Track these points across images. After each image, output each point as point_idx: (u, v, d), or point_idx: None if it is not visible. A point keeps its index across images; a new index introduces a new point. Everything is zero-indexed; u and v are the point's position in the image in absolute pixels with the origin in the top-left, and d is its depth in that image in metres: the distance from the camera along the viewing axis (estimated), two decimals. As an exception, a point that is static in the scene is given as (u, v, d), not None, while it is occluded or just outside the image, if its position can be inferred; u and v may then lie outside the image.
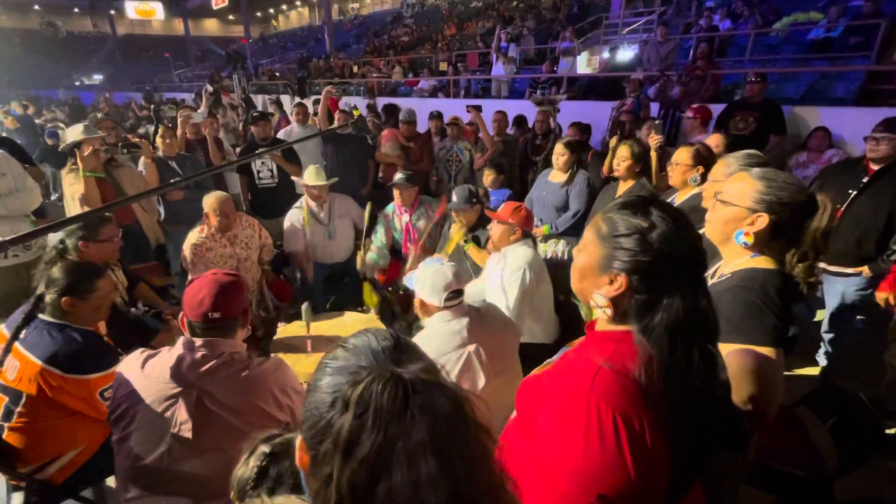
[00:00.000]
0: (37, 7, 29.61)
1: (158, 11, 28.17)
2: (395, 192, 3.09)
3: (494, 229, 2.31)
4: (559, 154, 3.11)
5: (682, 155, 2.25)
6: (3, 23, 29.17)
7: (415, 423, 0.52)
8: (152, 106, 7.50)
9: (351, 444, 0.52)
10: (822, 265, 1.22)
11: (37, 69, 24.85)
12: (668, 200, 2.36)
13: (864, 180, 2.43)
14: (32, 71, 24.47)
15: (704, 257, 0.81)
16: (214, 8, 25.56)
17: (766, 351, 1.07)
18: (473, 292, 2.39)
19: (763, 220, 1.14)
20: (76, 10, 31.01)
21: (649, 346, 0.75)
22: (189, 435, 1.22)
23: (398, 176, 3.05)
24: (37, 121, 7.97)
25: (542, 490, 0.80)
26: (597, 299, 0.83)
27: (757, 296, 1.10)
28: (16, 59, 26.08)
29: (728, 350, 1.09)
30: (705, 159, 2.19)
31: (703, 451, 0.81)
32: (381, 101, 8.43)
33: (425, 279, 1.59)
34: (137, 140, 3.23)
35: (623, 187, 2.75)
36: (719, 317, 1.11)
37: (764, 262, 1.16)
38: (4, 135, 6.16)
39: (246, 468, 0.81)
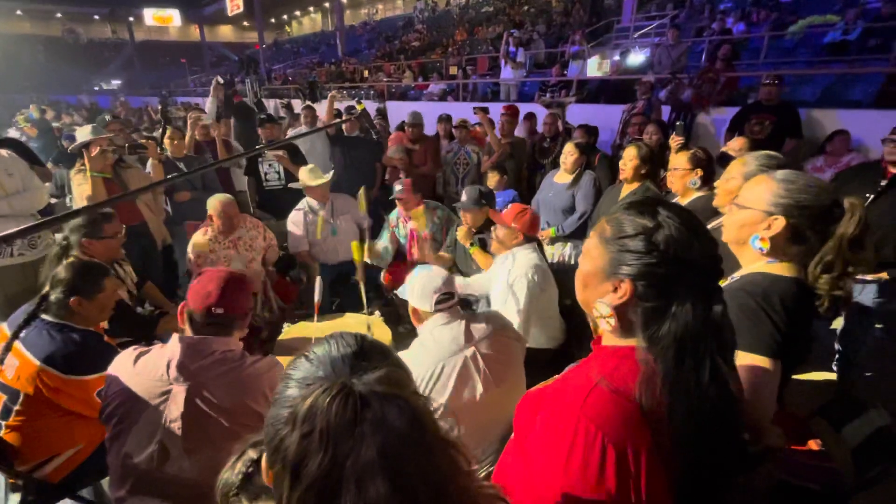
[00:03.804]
0: (59, 15, 30.42)
1: (175, 18, 28.75)
2: (398, 202, 3.08)
3: (499, 229, 2.28)
4: (569, 153, 3.06)
5: (679, 159, 2.22)
6: (27, 30, 30.04)
7: (364, 440, 0.47)
8: (160, 108, 7.60)
9: (298, 465, 0.48)
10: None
11: (58, 75, 25.47)
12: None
13: (882, 184, 2.35)
14: (54, 77, 25.09)
15: (719, 263, 0.74)
16: (229, 14, 25.95)
17: (758, 360, 1.01)
18: (481, 282, 2.37)
19: (779, 224, 1.07)
20: (96, 17, 31.78)
21: (654, 363, 0.69)
22: (178, 433, 1.19)
23: (397, 187, 3.02)
24: (55, 125, 8.13)
25: None
26: (599, 308, 0.77)
27: (756, 300, 1.04)
28: (39, 65, 26.78)
29: None
30: (703, 162, 2.17)
31: (713, 478, 0.73)
32: (392, 106, 8.44)
33: (414, 285, 1.54)
34: (144, 141, 3.25)
35: (627, 189, 2.68)
36: None
37: (781, 269, 1.10)
38: (23, 138, 6.29)
39: (232, 472, 0.78)
